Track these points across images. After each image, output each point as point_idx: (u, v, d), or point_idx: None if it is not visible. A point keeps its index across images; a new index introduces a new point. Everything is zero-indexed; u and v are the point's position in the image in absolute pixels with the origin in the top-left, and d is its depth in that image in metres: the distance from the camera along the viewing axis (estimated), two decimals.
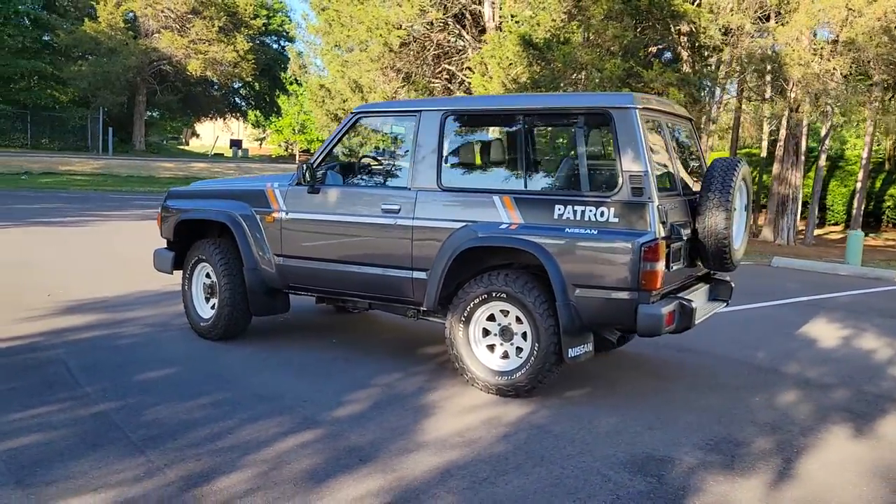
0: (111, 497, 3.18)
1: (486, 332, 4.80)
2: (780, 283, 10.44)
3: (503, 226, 4.62)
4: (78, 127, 36.45)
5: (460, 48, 19.17)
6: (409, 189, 4.99)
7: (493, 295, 4.66)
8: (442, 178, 4.90)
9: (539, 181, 4.85)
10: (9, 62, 34.80)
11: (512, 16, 15.41)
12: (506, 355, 4.74)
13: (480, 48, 16.70)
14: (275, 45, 45.59)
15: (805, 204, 18.78)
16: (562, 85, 13.95)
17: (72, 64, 34.81)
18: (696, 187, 5.12)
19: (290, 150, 52.01)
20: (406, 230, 4.93)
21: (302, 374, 5.06)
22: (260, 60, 39.27)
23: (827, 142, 17.02)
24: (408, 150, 5.21)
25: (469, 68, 17.28)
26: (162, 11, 34.69)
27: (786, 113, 14.76)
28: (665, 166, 4.84)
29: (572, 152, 4.99)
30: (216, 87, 41.95)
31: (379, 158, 5.98)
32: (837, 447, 4.12)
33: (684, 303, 4.52)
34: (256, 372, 5.07)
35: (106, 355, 5.30)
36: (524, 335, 4.64)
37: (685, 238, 4.66)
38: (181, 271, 6.03)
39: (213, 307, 5.78)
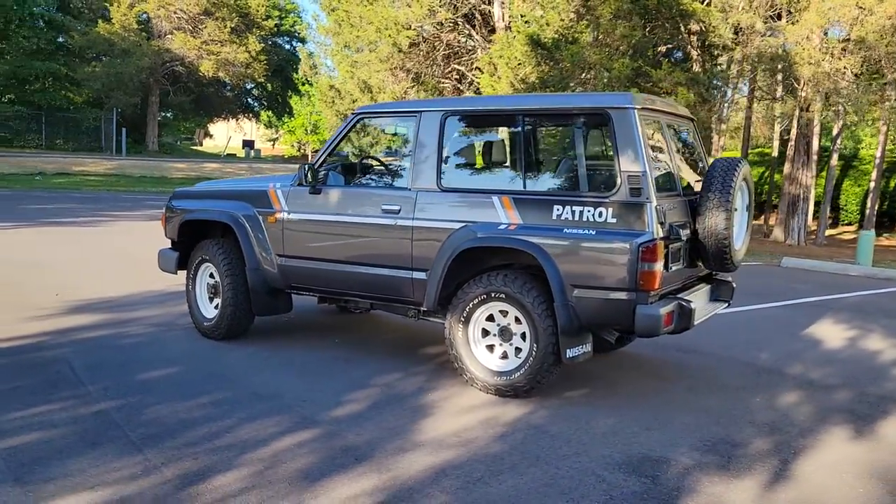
0: (107, 495, 3.22)
1: (485, 333, 4.81)
2: (788, 284, 10.38)
3: (502, 226, 4.63)
4: (92, 128, 36.73)
5: (470, 48, 19.19)
6: (410, 189, 5.01)
7: (492, 295, 4.67)
8: (442, 178, 4.92)
9: (538, 181, 4.86)
10: (24, 64, 35.16)
11: (521, 16, 15.40)
12: (505, 356, 4.75)
13: (489, 48, 16.70)
14: (287, 46, 45.76)
15: (818, 204, 18.66)
16: (570, 85, 13.93)
17: (86, 65, 35.09)
18: (698, 187, 5.10)
19: (302, 151, 52.17)
20: (406, 230, 4.95)
21: (302, 374, 5.09)
22: (272, 61, 39.43)
23: (839, 141, 16.91)
24: (408, 151, 5.23)
25: (478, 68, 17.28)
26: (175, 13, 34.90)
27: (796, 112, 14.67)
28: (665, 166, 4.83)
29: (571, 153, 4.99)
30: (228, 87, 42.14)
31: (380, 159, 6.01)
32: (836, 448, 4.10)
33: (683, 303, 4.51)
34: (258, 371, 5.11)
35: (110, 354, 5.36)
36: (523, 335, 4.65)
37: (684, 238, 4.65)
38: (185, 271, 6.08)
39: (216, 307, 5.82)
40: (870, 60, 13.05)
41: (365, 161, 5.80)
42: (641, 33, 13.26)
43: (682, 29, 14.10)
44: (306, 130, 51.75)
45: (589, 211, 4.40)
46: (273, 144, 63.77)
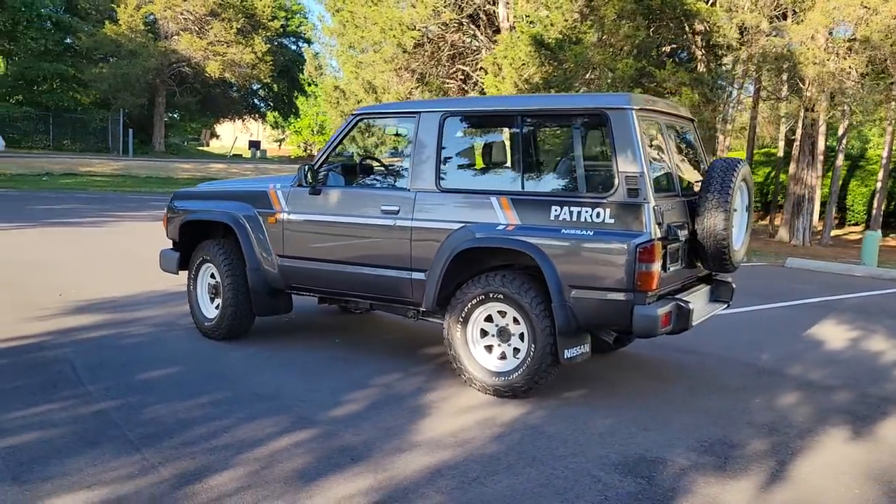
0: (104, 494, 3.24)
1: (483, 333, 4.82)
2: (792, 285, 10.35)
3: (500, 227, 4.63)
4: (99, 129, 36.87)
5: (475, 48, 19.20)
6: (409, 190, 5.02)
7: (491, 296, 4.67)
8: (440, 179, 4.93)
9: (536, 182, 4.86)
10: (32, 65, 35.36)
11: (525, 16, 15.40)
12: (503, 356, 4.76)
13: (494, 49, 16.71)
14: (293, 47, 45.85)
15: (824, 204, 18.59)
16: (574, 85, 13.93)
17: (93, 66, 35.25)
18: (698, 188, 5.10)
19: (308, 151, 52.28)
20: (405, 231, 4.96)
21: (302, 374, 5.10)
22: (278, 62, 39.50)
23: (844, 141, 16.85)
24: (408, 152, 5.24)
25: (483, 69, 17.29)
26: (181, 14, 35.02)
27: (801, 112, 14.63)
28: (663, 167, 4.83)
29: (570, 153, 4.99)
30: (235, 88, 42.26)
31: (379, 160, 6.02)
32: (834, 450, 4.09)
33: (681, 304, 4.50)
34: (258, 371, 5.13)
35: (111, 354, 5.38)
36: (521, 336, 4.65)
37: (683, 239, 4.64)
38: (186, 272, 6.10)
39: (217, 307, 5.85)
40: (875, 60, 13.00)
41: (364, 162, 5.81)
42: (645, 33, 13.25)
43: (687, 29, 14.08)
44: (312, 131, 51.89)
45: (587, 211, 4.41)
46: (279, 145, 63.90)
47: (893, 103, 14.49)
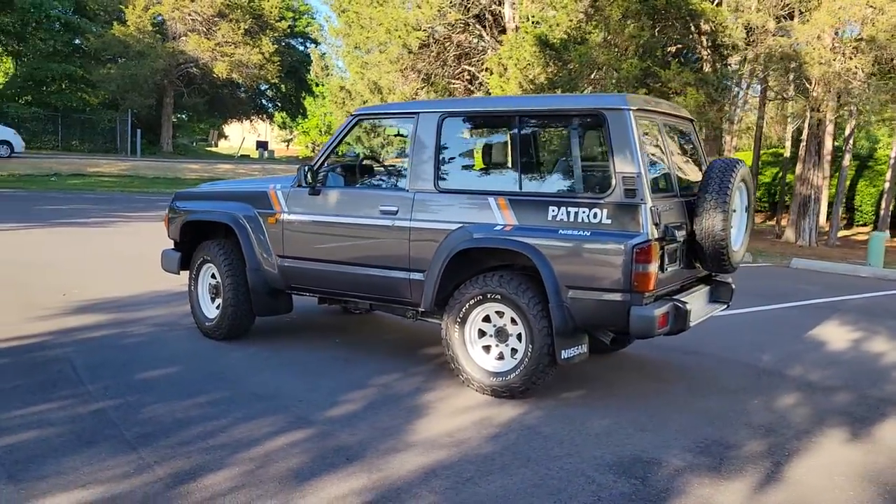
0: (98, 493, 3.26)
1: (481, 333, 4.82)
2: (796, 285, 10.32)
3: (498, 227, 4.64)
4: (107, 129, 37.01)
5: (481, 49, 19.18)
6: (407, 190, 5.03)
7: (488, 296, 4.68)
8: (439, 179, 4.94)
9: (534, 183, 4.86)
10: (41, 66, 35.53)
11: (530, 17, 15.39)
12: (501, 356, 4.76)
13: (499, 49, 16.70)
14: (300, 48, 45.95)
15: (831, 204, 18.50)
16: (580, 85, 13.91)
17: (101, 67, 35.39)
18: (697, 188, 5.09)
19: (316, 152, 52.36)
20: (404, 231, 4.97)
21: (302, 374, 5.12)
22: (285, 62, 39.58)
23: (851, 141, 16.77)
24: (406, 152, 5.25)
25: (488, 69, 17.28)
26: (189, 14, 35.11)
27: (807, 112, 14.57)
28: (661, 167, 4.82)
29: (567, 154, 4.99)
30: (242, 89, 42.36)
31: (379, 160, 6.04)
32: (830, 451, 4.08)
33: (679, 305, 4.50)
34: (257, 371, 5.14)
35: (112, 354, 5.41)
36: (519, 336, 4.65)
37: (680, 240, 4.63)
38: (188, 272, 6.13)
39: (218, 307, 5.87)
40: (881, 60, 12.93)
41: (364, 162, 5.82)
42: (650, 33, 13.22)
43: (692, 29, 14.05)
44: (320, 131, 51.97)
45: (584, 212, 4.41)
46: (287, 145, 64.06)
47: None
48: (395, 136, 6.52)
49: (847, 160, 16.96)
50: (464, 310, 4.76)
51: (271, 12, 37.06)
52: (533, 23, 15.16)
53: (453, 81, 19.23)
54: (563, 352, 4.47)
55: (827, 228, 17.36)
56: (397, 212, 5.01)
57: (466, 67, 19.46)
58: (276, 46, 37.46)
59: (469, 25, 18.66)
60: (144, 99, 35.42)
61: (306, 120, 53.42)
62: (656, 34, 13.61)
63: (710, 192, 4.68)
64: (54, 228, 12.71)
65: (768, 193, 22.40)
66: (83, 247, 10.64)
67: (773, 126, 23.51)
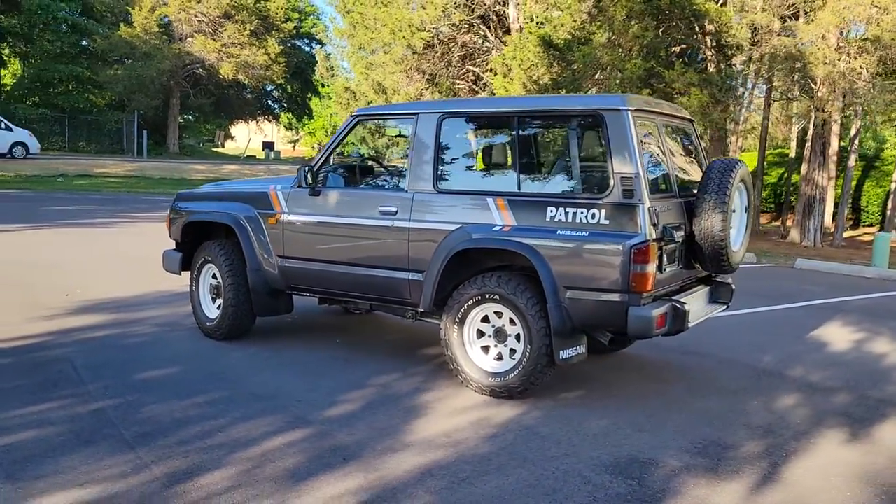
0: (95, 492, 3.27)
1: (480, 334, 4.83)
2: (800, 286, 10.29)
3: (496, 228, 4.64)
4: (114, 130, 37.13)
5: (486, 49, 19.20)
6: (407, 191, 5.04)
7: (487, 297, 4.68)
8: (438, 180, 4.95)
9: (532, 183, 4.85)
10: (48, 67, 35.67)
11: (534, 17, 15.39)
12: (500, 357, 4.77)
13: (504, 50, 16.71)
14: (307, 48, 46.00)
15: (837, 205, 18.44)
16: (583, 86, 13.90)
17: (108, 68, 35.48)
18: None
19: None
20: (403, 232, 4.98)
21: (301, 374, 5.13)
22: (291, 63, 39.63)
23: (856, 141, 16.72)
24: (406, 153, 5.26)
25: (492, 70, 17.30)
26: (195, 16, 35.18)
27: (812, 112, 14.53)
28: (660, 168, 4.82)
29: (566, 154, 4.99)
30: (248, 90, 42.43)
31: (379, 160, 6.05)
32: (828, 452, 4.07)
33: (677, 305, 4.49)
34: (258, 371, 5.16)
35: (113, 354, 5.43)
36: (517, 337, 4.66)
37: (679, 240, 4.63)
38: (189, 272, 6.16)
39: (219, 307, 5.89)
40: (886, 60, 12.88)
41: (364, 163, 5.84)
42: (654, 34, 13.21)
43: (697, 29, 14.02)
44: (326, 132, 51.99)
45: (582, 212, 4.41)
46: (294, 146, 64.19)
47: None
48: (398, 136, 6.52)
49: (852, 160, 16.91)
50: (462, 310, 4.77)
51: (277, 13, 37.12)
52: (537, 23, 15.17)
53: (458, 82, 19.24)
54: (561, 352, 4.47)
55: (832, 229, 17.31)
56: (396, 212, 5.02)
57: (471, 68, 19.47)
58: (281, 47, 37.52)
59: (474, 26, 18.68)
60: (151, 100, 35.51)
61: (312, 121, 53.50)
62: (660, 34, 13.59)
63: (710, 193, 4.68)
64: (60, 229, 12.76)
65: (774, 194, 22.35)
66: (88, 247, 10.69)
67: (778, 126, 23.44)
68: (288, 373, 5.15)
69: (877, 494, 3.54)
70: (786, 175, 20.97)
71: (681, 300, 4.57)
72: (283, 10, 37.70)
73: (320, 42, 43.56)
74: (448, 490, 3.42)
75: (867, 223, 21.16)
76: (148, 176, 27.61)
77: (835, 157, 17.07)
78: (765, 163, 19.45)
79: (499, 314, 4.73)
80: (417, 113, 5.13)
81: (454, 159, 5.12)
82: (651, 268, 4.25)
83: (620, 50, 13.35)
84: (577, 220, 4.41)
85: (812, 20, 12.94)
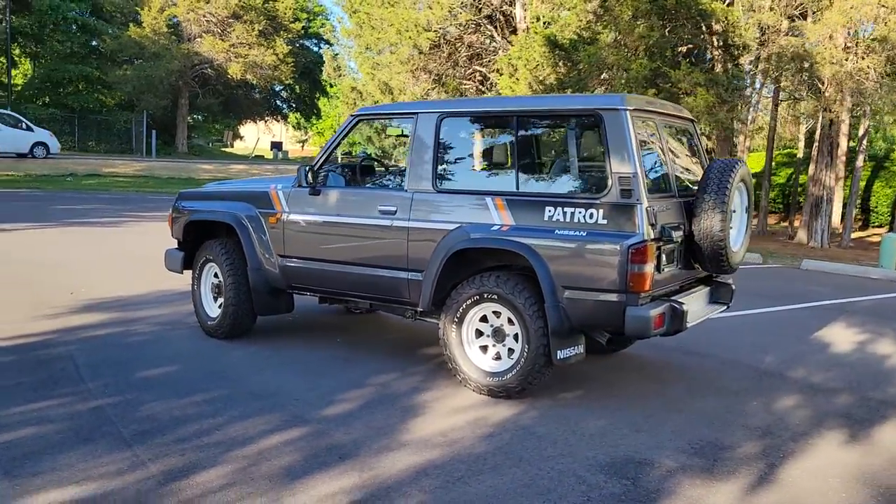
0: (91, 489, 3.30)
1: (479, 333, 4.83)
2: (806, 287, 10.24)
3: (495, 227, 4.64)
4: (123, 130, 37.30)
5: (493, 49, 19.18)
6: (406, 190, 5.05)
7: (485, 296, 4.69)
8: (437, 179, 4.95)
9: (531, 183, 4.85)
10: (58, 67, 35.92)
11: (539, 17, 15.38)
12: (498, 356, 4.77)
13: (509, 50, 16.70)
14: (315, 49, 46.10)
15: (846, 206, 18.34)
16: (589, 86, 13.88)
17: (117, 68, 35.70)
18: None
19: None
20: (402, 231, 4.99)
21: (301, 373, 5.14)
22: (299, 63, 39.73)
23: (864, 142, 16.63)
24: (405, 152, 5.27)
25: (498, 70, 17.29)
26: (204, 16, 35.32)
27: (819, 113, 14.46)
28: (659, 167, 4.81)
29: (564, 154, 4.99)
30: (257, 90, 42.56)
31: (379, 160, 6.06)
32: (827, 453, 4.06)
33: (675, 305, 4.48)
34: (258, 370, 5.18)
35: (115, 352, 5.46)
36: (515, 336, 4.66)
37: (677, 240, 4.61)
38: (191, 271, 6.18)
39: (220, 306, 5.92)
40: (894, 60, 12.81)
41: (364, 162, 5.85)
42: (660, 33, 13.17)
43: (704, 29, 13.97)
44: (334, 132, 52.06)
45: (580, 212, 4.40)
46: (302, 146, 64.33)
47: None
48: (402, 136, 6.54)
49: (860, 161, 16.80)
50: (461, 310, 4.77)
51: (285, 13, 37.21)
52: (544, 23, 15.15)
53: (465, 82, 19.24)
54: (558, 352, 4.47)
55: (840, 230, 17.22)
56: (396, 212, 5.02)
57: (478, 68, 19.46)
58: (290, 47, 37.62)
59: (481, 26, 18.67)
60: (160, 100, 35.69)
61: (321, 121, 53.63)
62: (666, 34, 13.55)
63: (709, 193, 4.67)
64: (67, 228, 12.83)
65: (782, 194, 22.24)
66: (94, 246, 10.74)
67: (786, 126, 23.32)
68: (288, 372, 5.17)
69: (873, 496, 3.53)
70: (794, 175, 20.87)
71: (679, 300, 4.56)
72: (292, 10, 37.79)
73: (328, 42, 43.59)
74: (442, 489, 3.43)
75: (876, 224, 21.03)
76: (156, 175, 27.71)
77: (843, 158, 16.98)
78: (773, 163, 19.36)
79: (497, 314, 4.74)
80: (417, 113, 5.13)
81: (453, 159, 5.12)
82: (649, 268, 4.24)
83: (626, 50, 13.33)
84: (576, 220, 4.40)
85: (819, 20, 12.88)
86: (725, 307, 5.33)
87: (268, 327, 6.27)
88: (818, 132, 15.98)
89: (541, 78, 14.29)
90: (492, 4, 17.99)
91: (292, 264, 5.51)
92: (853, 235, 17.21)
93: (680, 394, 5.01)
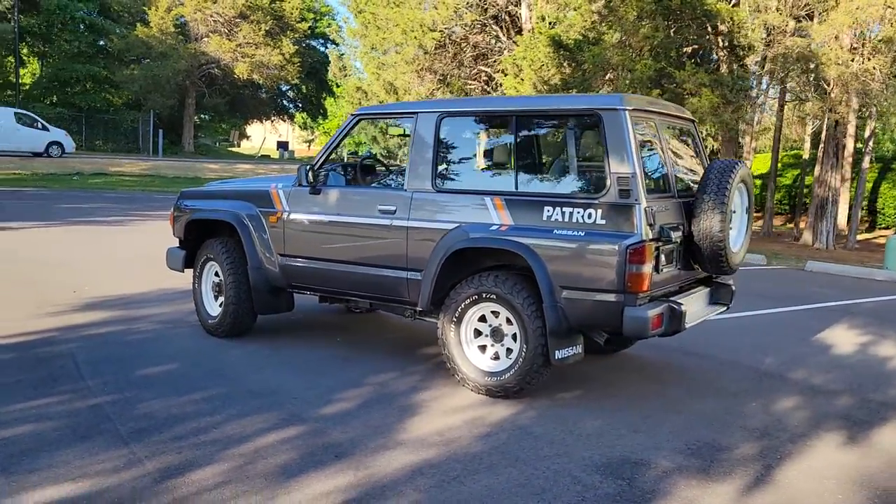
0: (87, 486, 3.31)
1: (477, 333, 4.83)
2: (809, 288, 10.21)
3: (493, 227, 4.64)
4: (130, 129, 37.46)
5: (498, 49, 19.19)
6: (406, 190, 5.05)
7: (484, 296, 4.69)
8: (436, 179, 4.96)
9: (529, 183, 4.85)
10: (66, 66, 36.08)
11: (544, 17, 15.37)
12: (496, 356, 4.77)
13: (514, 50, 16.70)
14: (321, 49, 46.17)
15: (852, 207, 18.27)
16: (593, 86, 13.86)
17: (124, 68, 35.86)
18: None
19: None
20: (401, 231, 4.99)
21: (300, 372, 5.15)
22: (306, 63, 39.82)
23: (871, 143, 16.56)
24: (405, 152, 5.27)
25: (502, 71, 17.29)
26: (211, 16, 35.43)
27: (825, 114, 14.41)
28: (658, 168, 4.81)
29: (563, 154, 4.99)
30: (263, 89, 42.65)
31: (379, 159, 6.07)
32: (825, 454, 4.04)
33: (673, 306, 4.47)
34: (257, 369, 5.19)
35: (115, 350, 5.48)
36: (514, 336, 4.66)
37: (676, 240, 4.60)
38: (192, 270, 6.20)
39: (221, 305, 5.93)
40: None
41: (364, 162, 5.86)
42: (665, 34, 13.15)
43: (709, 29, 13.94)
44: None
45: (579, 212, 4.40)
46: (309, 146, 64.40)
47: None
48: (404, 136, 6.56)
49: (866, 162, 16.73)
50: (459, 309, 4.78)
51: (292, 13, 37.30)
52: (549, 23, 15.14)
53: (470, 82, 19.25)
54: (557, 352, 4.47)
55: (846, 231, 17.16)
56: (395, 211, 5.03)
57: (483, 68, 19.47)
58: (296, 47, 37.69)
59: (486, 26, 18.68)
60: (166, 99, 35.81)
61: (327, 120, 53.64)
62: (671, 35, 13.53)
63: (709, 193, 4.66)
64: (73, 227, 12.88)
65: (788, 195, 22.17)
66: (99, 245, 10.78)
67: (792, 127, 23.25)
68: (287, 370, 5.18)
69: (870, 497, 3.52)
70: (800, 176, 20.79)
71: (678, 301, 4.55)
72: (298, 10, 37.88)
73: (334, 42, 43.69)
74: (437, 488, 3.43)
75: (883, 226, 20.94)
76: (162, 175, 27.79)
77: (849, 159, 16.92)
78: (778, 164, 19.30)
79: (496, 313, 4.74)
80: (417, 112, 5.14)
81: (453, 159, 5.13)
82: (647, 268, 4.24)
83: (631, 50, 13.31)
84: (574, 220, 4.40)
85: (825, 20, 12.84)
86: (725, 308, 5.32)
87: (268, 326, 6.28)
88: (824, 133, 15.93)
89: (545, 78, 14.28)
90: (497, 4, 18.00)
91: (292, 263, 5.53)
92: (860, 237, 17.15)
93: (679, 394, 5.00)
